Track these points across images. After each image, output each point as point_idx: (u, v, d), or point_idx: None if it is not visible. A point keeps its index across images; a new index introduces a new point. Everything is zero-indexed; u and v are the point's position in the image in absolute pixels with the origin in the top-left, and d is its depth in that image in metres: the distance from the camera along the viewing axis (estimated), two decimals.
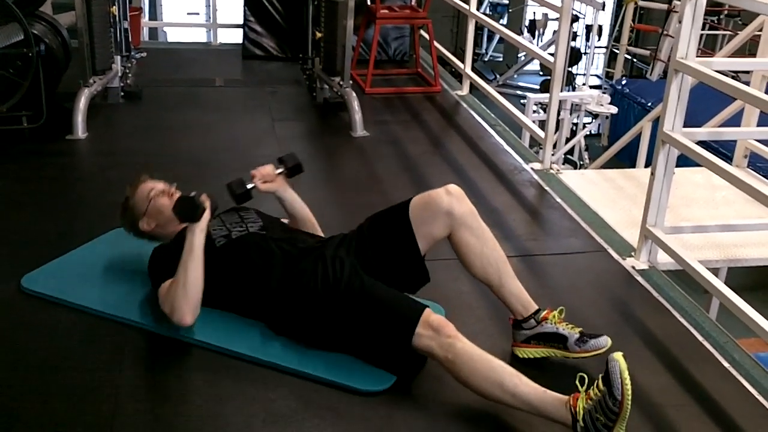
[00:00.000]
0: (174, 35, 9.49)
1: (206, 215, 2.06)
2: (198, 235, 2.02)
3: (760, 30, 3.86)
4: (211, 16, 6.42)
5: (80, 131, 3.68)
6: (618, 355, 1.69)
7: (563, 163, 6.17)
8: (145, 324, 2.13)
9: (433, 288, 2.16)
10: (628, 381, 1.65)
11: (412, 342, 1.83)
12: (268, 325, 2.08)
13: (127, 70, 4.37)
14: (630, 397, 1.64)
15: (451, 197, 2.05)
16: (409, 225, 2.05)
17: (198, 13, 10.59)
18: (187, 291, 1.96)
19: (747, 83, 3.61)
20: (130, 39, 4.52)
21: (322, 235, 2.35)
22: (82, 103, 3.69)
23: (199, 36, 9.06)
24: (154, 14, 10.06)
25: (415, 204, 2.08)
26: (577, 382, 1.73)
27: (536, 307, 2.05)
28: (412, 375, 1.95)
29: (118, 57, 4.17)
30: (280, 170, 2.33)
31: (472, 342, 1.82)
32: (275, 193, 2.33)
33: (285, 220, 2.40)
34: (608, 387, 1.66)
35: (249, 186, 2.25)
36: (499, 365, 1.78)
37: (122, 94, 4.24)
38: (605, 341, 2.01)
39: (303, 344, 2.01)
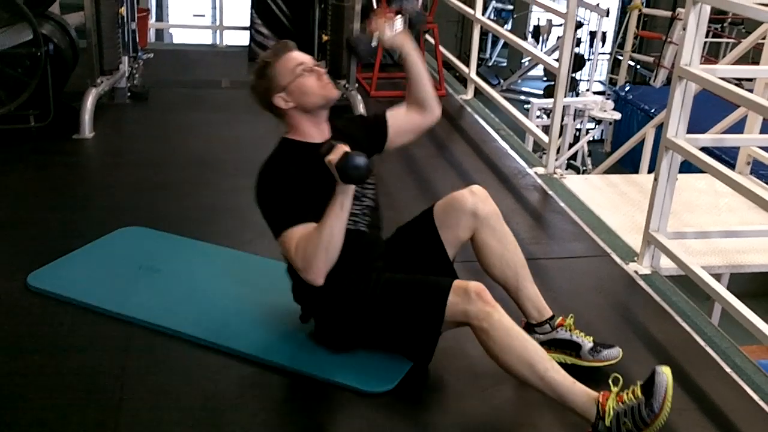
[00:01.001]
0: (180, 37, 9.52)
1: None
2: (350, 196, 1.81)
3: (764, 38, 3.88)
4: (218, 18, 6.45)
5: (87, 131, 3.70)
6: (667, 370, 1.69)
7: (566, 168, 6.17)
8: (149, 322, 2.14)
9: None
10: (670, 397, 1.66)
11: (446, 308, 1.78)
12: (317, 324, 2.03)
13: (134, 71, 4.40)
14: (667, 414, 1.66)
15: (476, 197, 2.03)
16: (437, 233, 2.03)
17: (204, 15, 10.61)
18: (329, 254, 1.81)
19: (750, 91, 3.62)
20: (137, 40, 4.54)
21: (438, 106, 2.11)
22: (90, 102, 3.72)
23: (205, 38, 9.07)
24: (160, 16, 10.10)
25: (438, 208, 2.06)
26: (610, 382, 1.73)
27: (551, 313, 2.05)
28: (428, 360, 1.95)
29: (126, 57, 4.20)
30: (400, 24, 1.96)
31: None
32: (401, 50, 2.01)
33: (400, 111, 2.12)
34: (647, 397, 1.67)
35: (374, 44, 1.93)
36: (533, 345, 1.77)
37: (129, 94, 4.27)
38: (617, 352, 2.02)
39: (330, 348, 2.00)
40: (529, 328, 2.05)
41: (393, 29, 1.96)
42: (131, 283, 2.34)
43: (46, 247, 2.54)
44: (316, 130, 1.98)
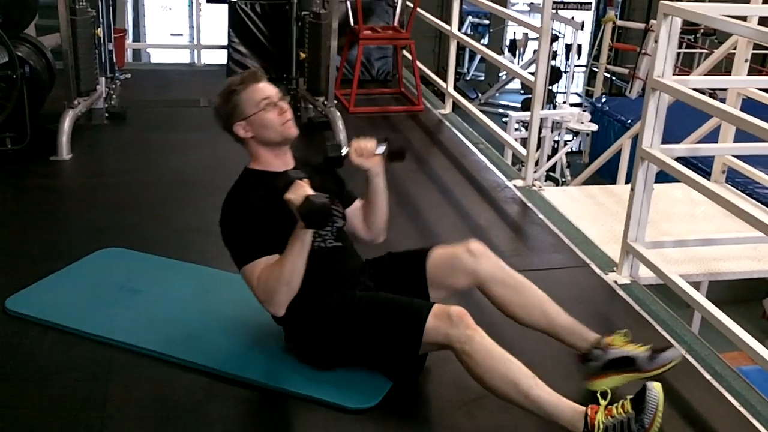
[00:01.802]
0: (158, 56, 9.49)
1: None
2: (310, 234, 1.83)
3: (734, 49, 3.95)
4: (195, 37, 6.45)
5: (65, 152, 3.67)
6: (658, 386, 1.69)
7: (545, 180, 6.23)
8: (130, 344, 2.13)
9: None
10: (661, 413, 1.66)
11: (428, 332, 1.79)
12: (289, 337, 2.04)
13: (112, 91, 4.38)
14: (657, 430, 1.65)
15: (475, 258, 2.00)
16: (425, 281, 2.02)
17: (182, 35, 10.61)
18: (291, 288, 1.84)
19: (723, 100, 3.70)
20: (114, 60, 4.53)
21: (383, 234, 2.16)
22: (67, 124, 3.69)
23: (183, 57, 9.05)
24: (137, 36, 10.06)
25: (435, 259, 2.04)
26: (598, 395, 1.73)
27: (595, 335, 2.00)
28: (412, 379, 1.96)
29: (103, 78, 4.19)
30: (381, 150, 2.04)
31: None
32: (367, 172, 2.05)
33: (357, 204, 2.18)
34: (638, 412, 1.66)
35: (343, 152, 2.03)
36: (517, 365, 1.76)
37: (107, 115, 4.25)
38: (675, 352, 1.97)
39: (313, 366, 1.99)
40: (584, 359, 1.99)
41: (374, 151, 2.02)
42: (112, 305, 2.32)
43: (24, 270, 2.51)
44: (278, 161, 2.03)
